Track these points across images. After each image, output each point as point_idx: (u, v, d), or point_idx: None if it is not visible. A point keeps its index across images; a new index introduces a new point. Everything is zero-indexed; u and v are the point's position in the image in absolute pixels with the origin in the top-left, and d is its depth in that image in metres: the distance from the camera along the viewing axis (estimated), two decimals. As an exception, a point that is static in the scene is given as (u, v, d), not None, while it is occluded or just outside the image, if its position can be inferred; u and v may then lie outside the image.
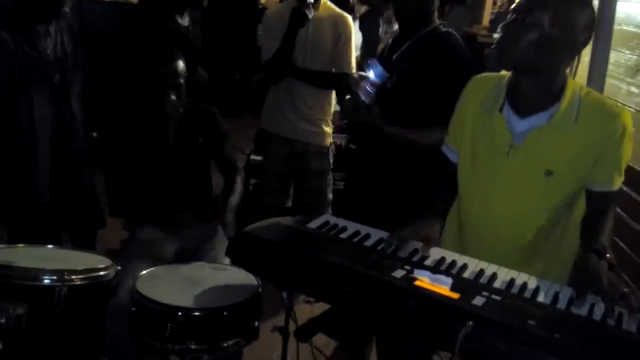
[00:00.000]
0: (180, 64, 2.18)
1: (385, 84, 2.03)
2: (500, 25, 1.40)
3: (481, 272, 1.32)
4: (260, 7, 7.12)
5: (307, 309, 1.85)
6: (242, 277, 1.89)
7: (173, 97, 2.16)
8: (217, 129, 2.32)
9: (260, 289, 1.83)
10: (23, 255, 1.70)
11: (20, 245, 1.87)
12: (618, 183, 1.43)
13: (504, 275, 1.30)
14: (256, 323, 1.84)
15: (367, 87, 1.96)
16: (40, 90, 2.31)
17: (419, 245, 1.45)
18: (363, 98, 1.97)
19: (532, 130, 1.42)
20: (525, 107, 1.43)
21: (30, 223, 2.41)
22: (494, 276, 1.29)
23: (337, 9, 2.79)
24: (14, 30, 2.24)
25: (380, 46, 4.69)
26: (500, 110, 1.46)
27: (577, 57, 1.58)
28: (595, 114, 1.39)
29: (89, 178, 2.53)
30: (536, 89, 1.40)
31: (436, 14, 2.12)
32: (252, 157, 3.75)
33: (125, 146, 2.29)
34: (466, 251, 1.51)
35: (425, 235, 1.47)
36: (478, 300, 1.14)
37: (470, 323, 1.06)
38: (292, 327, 1.65)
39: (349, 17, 2.78)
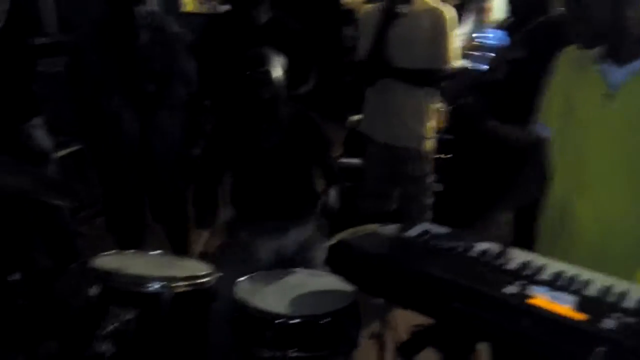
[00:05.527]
0: (275, 69, 2.16)
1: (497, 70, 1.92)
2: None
3: (608, 289, 1.18)
4: (344, 8, 7.11)
5: (404, 314, 1.78)
6: (340, 284, 1.86)
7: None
8: (322, 138, 2.31)
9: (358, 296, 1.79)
10: (131, 262, 1.77)
11: (129, 251, 1.96)
12: None
13: (637, 293, 1.16)
14: (356, 331, 1.81)
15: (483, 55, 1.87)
16: (125, 96, 2.45)
17: (530, 257, 1.34)
18: (478, 66, 1.88)
19: (629, 76, 1.30)
20: (622, 53, 1.32)
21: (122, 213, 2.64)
22: (623, 294, 1.15)
23: (433, 3, 2.68)
24: (103, 37, 2.40)
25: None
26: (596, 62, 1.36)
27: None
28: None
29: (171, 184, 2.66)
30: (632, 35, 1.28)
31: (554, 2, 1.97)
32: (342, 159, 3.72)
33: (226, 150, 2.33)
34: (563, 248, 1.40)
35: (491, 233, 1.40)
36: (608, 323, 1.02)
37: (602, 349, 0.95)
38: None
39: (446, 10, 2.65)
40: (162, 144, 2.56)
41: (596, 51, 1.38)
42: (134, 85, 2.46)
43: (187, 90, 2.60)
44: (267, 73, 2.13)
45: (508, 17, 2.24)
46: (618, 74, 1.33)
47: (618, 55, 1.33)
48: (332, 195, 2.21)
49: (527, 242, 1.50)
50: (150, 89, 2.48)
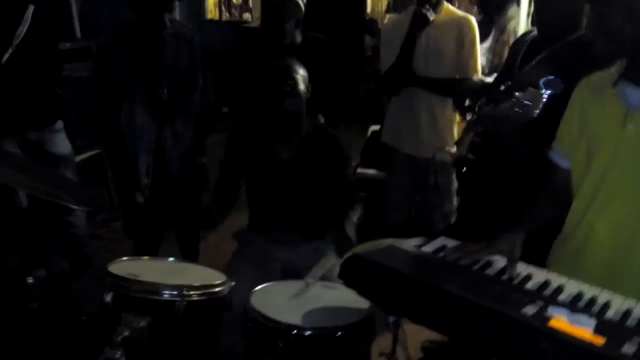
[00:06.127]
0: (300, 82, 2.15)
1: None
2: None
3: (628, 312, 1.16)
4: (367, 17, 7.13)
5: (414, 329, 1.75)
6: (354, 297, 1.84)
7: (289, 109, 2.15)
8: (340, 153, 2.30)
9: (373, 311, 1.77)
10: (146, 269, 1.77)
11: (145, 257, 1.96)
12: None
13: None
14: (368, 346, 1.78)
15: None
16: (145, 102, 2.46)
17: (549, 276, 1.31)
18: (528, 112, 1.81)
19: None
20: None
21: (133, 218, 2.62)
22: (644, 318, 1.13)
23: (460, 12, 2.66)
24: (128, 43, 2.42)
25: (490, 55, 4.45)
26: (614, 85, 1.34)
27: None
28: None
29: (182, 190, 2.65)
30: None
31: (584, 20, 1.87)
32: (359, 170, 3.69)
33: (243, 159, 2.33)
34: (574, 269, 1.37)
35: (503, 250, 1.38)
36: (629, 348, 1.00)
37: (622, 375, 0.93)
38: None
39: (473, 19, 2.63)
40: (175, 150, 2.57)
41: (614, 73, 1.36)
42: (156, 92, 2.47)
43: (203, 100, 2.61)
44: (294, 85, 2.14)
45: (530, 31, 2.18)
46: (637, 94, 1.31)
47: (637, 74, 1.31)
48: (351, 226, 2.20)
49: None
50: (172, 97, 2.49)
